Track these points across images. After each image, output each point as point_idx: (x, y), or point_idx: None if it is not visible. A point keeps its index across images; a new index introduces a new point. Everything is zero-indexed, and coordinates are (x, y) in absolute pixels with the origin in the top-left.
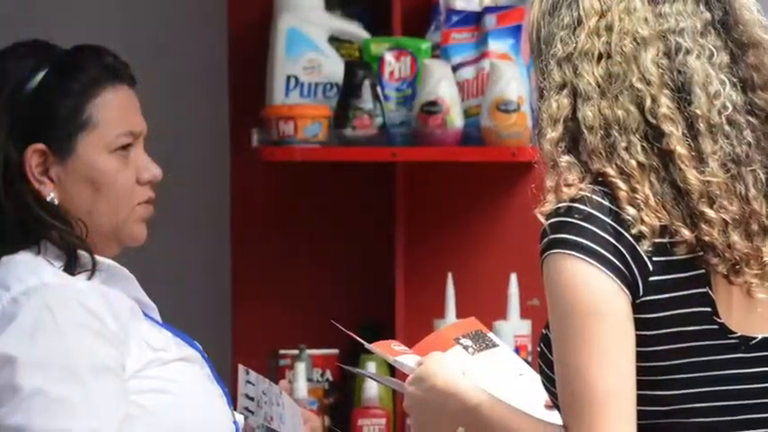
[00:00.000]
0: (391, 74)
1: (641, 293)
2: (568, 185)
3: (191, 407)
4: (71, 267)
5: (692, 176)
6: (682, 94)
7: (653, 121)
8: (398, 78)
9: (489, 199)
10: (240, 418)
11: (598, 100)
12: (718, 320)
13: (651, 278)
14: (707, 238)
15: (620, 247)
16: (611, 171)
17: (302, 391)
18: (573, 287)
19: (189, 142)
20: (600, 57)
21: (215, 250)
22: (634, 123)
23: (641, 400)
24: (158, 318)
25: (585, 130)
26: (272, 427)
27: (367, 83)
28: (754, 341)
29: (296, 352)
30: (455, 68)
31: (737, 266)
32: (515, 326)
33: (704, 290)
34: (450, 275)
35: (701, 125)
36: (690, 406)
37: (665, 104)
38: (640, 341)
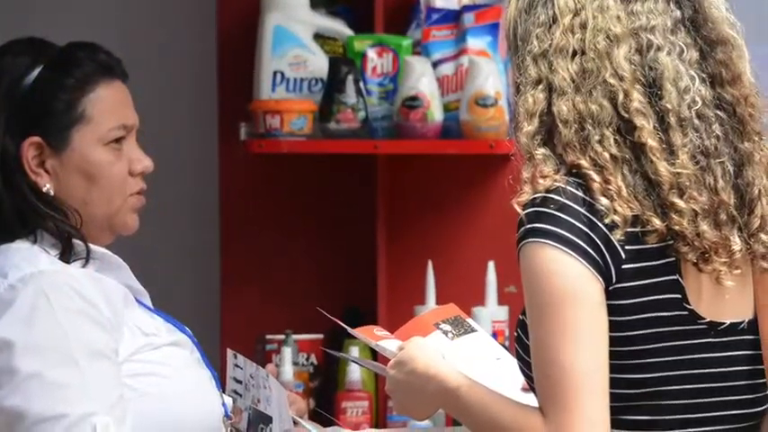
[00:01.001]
0: (374, 70)
1: (614, 280)
2: (544, 177)
3: (181, 389)
4: (66, 255)
5: (663, 168)
6: (653, 89)
7: (625, 115)
8: (381, 74)
9: (468, 190)
10: (228, 400)
11: (572, 95)
12: (688, 306)
13: (623, 266)
14: (677, 228)
15: (593, 236)
16: (584, 163)
17: (288, 375)
18: (548, 274)
19: (179, 135)
20: (574, 53)
21: (204, 239)
22: (607, 117)
23: (614, 382)
24: (150, 304)
25: (560, 124)
26: (260, 408)
27: (350, 78)
28: (722, 326)
29: (282, 337)
30: (435, 65)
31: (706, 255)
32: (493, 312)
33: (674, 277)
34: (430, 263)
35: (672, 119)
36: (660, 388)
37: (637, 99)
38: (613, 326)
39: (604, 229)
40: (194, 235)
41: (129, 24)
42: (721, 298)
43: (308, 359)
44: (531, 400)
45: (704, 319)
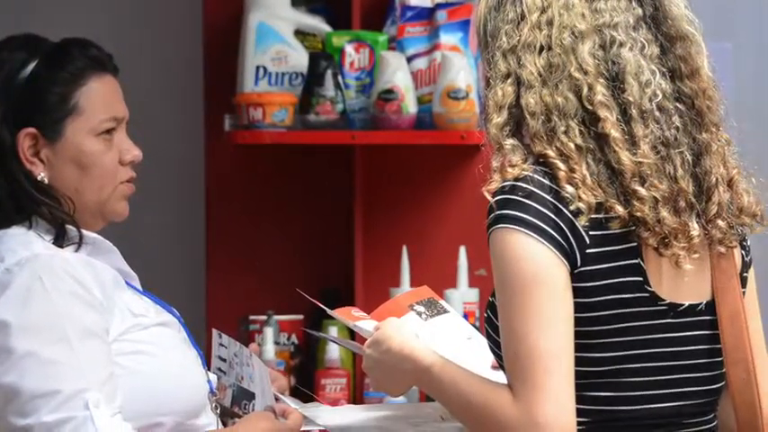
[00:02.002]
0: (351, 64)
1: (579, 264)
2: (512, 166)
3: (169, 367)
4: (60, 240)
5: (625, 158)
6: (616, 82)
7: (589, 107)
8: (358, 68)
9: (440, 178)
10: (213, 377)
11: (539, 88)
12: (649, 289)
13: (588, 250)
14: (639, 214)
15: (559, 222)
16: (551, 153)
17: (270, 354)
18: (516, 258)
19: (167, 126)
20: (541, 49)
21: (191, 225)
22: (572, 109)
23: (578, 361)
24: (139, 286)
25: (528, 116)
26: (243, 385)
27: (329, 72)
28: (681, 308)
29: (264, 317)
30: (409, 59)
31: (666, 240)
32: (464, 294)
33: (636, 261)
34: (404, 248)
35: (634, 111)
36: (623, 366)
37: (601, 92)
38: (578, 307)
39: (570, 215)
40: (181, 221)
41: (120, 22)
42: (680, 281)
43: (288, 339)
44: (500, 377)
45: (664, 300)
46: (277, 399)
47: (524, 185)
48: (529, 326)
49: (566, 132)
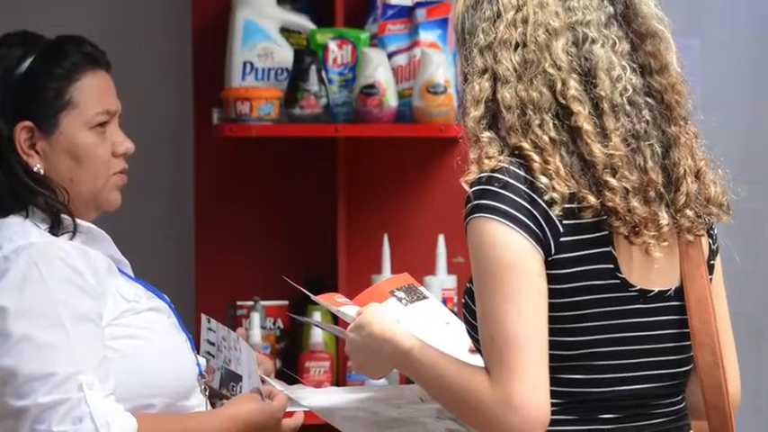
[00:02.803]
0: (334, 60)
1: (553, 252)
2: (489, 158)
3: (160, 350)
4: (55, 229)
5: (597, 150)
6: (588, 78)
7: (563, 101)
8: (341, 64)
9: (420, 169)
10: (202, 360)
11: (515, 83)
12: (620, 276)
13: (561, 239)
14: (610, 204)
15: (534, 211)
16: (526, 145)
17: (257, 338)
18: (493, 246)
19: (158, 120)
20: (517, 45)
21: (181, 214)
22: (546, 104)
23: (552, 345)
24: (131, 273)
25: (504, 110)
26: (231, 368)
27: (313, 68)
28: (651, 294)
29: (251, 303)
30: (390, 56)
31: (637, 229)
32: (443, 280)
33: (608, 249)
34: (385, 236)
35: (605, 105)
36: (594, 350)
37: (574, 87)
38: (552, 293)
39: (544, 205)
40: (172, 210)
41: (112, 19)
42: (650, 268)
43: (274, 323)
44: (477, 360)
45: (635, 286)
46: (263, 381)
47: (500, 176)
48: (504, 311)
49: (540, 125)
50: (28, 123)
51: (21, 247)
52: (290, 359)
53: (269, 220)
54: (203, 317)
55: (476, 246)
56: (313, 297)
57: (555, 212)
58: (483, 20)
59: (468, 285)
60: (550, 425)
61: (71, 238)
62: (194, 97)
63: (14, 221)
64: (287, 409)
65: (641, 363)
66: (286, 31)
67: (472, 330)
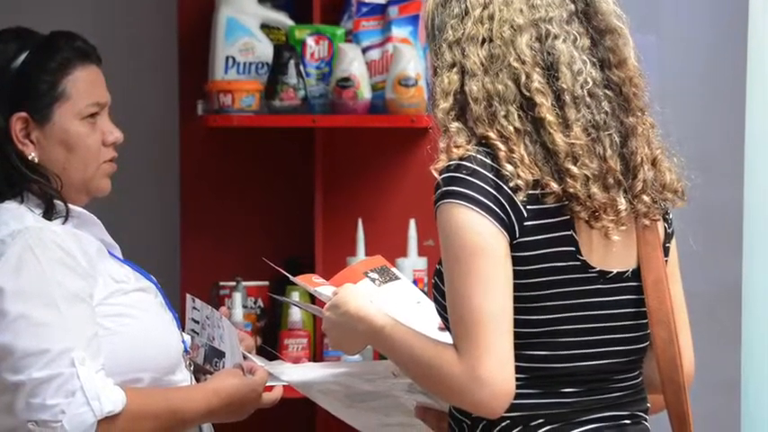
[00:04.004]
0: (312, 55)
1: (517, 235)
2: (457, 147)
3: (147, 328)
4: (49, 214)
5: (559, 139)
6: (551, 71)
7: (527, 93)
8: (318, 59)
9: (392, 158)
10: (187, 338)
11: (482, 76)
12: (581, 258)
13: (526, 223)
14: (571, 190)
15: (499, 197)
16: (492, 135)
17: (239, 316)
18: (461, 230)
19: (146, 111)
20: (483, 41)
21: (167, 200)
22: (511, 96)
23: (517, 323)
24: (120, 255)
25: (471, 101)
26: (214, 345)
27: (292, 62)
28: (610, 275)
29: (233, 284)
30: (364, 51)
31: (597, 213)
32: (414, 262)
33: (569, 233)
34: (360, 220)
35: (567, 97)
36: (557, 328)
37: (537, 80)
38: (517, 274)
39: (509, 191)
40: (158, 196)
41: (102, 16)
42: (609, 250)
43: (255, 303)
44: (446, 337)
45: (594, 268)
46: (245, 357)
47: (468, 164)
48: (472, 291)
49: (505, 116)
50: (23, 114)
51: (16, 231)
52: (269, 336)
53: (250, 205)
54: (188, 297)
55: (445, 230)
56: (292, 278)
57: (519, 198)
58: (451, 17)
59: (437, 267)
60: (515, 398)
61: (64, 223)
62: (180, 90)
63: (10, 206)
64: (267, 384)
65: (601, 340)
66: (266, 28)
67: (441, 309)
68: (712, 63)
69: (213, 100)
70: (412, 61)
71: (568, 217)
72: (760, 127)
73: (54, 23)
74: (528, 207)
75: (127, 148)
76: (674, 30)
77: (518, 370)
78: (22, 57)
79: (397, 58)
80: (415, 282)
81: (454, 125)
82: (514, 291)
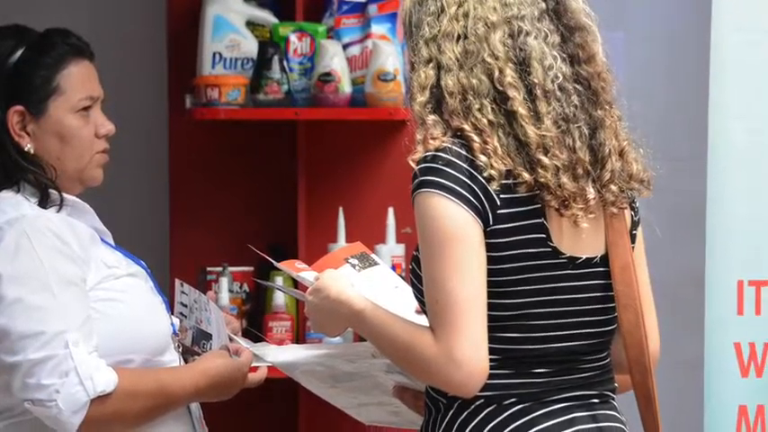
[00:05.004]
0: (295, 51)
1: (491, 223)
2: (434, 138)
3: (138, 311)
4: (44, 203)
5: (531, 131)
6: (523, 66)
7: (500, 87)
8: (300, 54)
9: (372, 149)
10: (176, 321)
11: (457, 71)
12: (551, 244)
13: (499, 211)
14: (542, 180)
15: (474, 186)
16: (467, 127)
17: (225, 300)
18: (437, 218)
19: (137, 104)
20: (458, 37)
21: (157, 189)
22: (485, 90)
23: (491, 306)
24: (112, 242)
25: (447, 95)
26: (201, 327)
27: (276, 58)
28: (579, 260)
29: (220, 269)
30: (345, 47)
31: (566, 202)
32: (392, 249)
33: (540, 220)
34: (341, 209)
35: (538, 91)
36: (529, 311)
37: (510, 75)
38: (491, 260)
39: (483, 181)
40: (149, 186)
41: (96, 14)
42: (578, 237)
43: (241, 287)
44: (423, 320)
45: (564, 254)
46: (231, 339)
47: (444, 155)
48: (448, 276)
49: (480, 109)
50: (19, 107)
51: (13, 219)
52: (254, 319)
53: (236, 194)
54: (177, 281)
55: (422, 218)
56: (276, 264)
57: (493, 187)
58: (428, 14)
59: (414, 253)
60: (489, 378)
61: (58, 211)
62: (169, 84)
63: (7, 195)
64: (252, 365)
65: (570, 323)
66: (251, 25)
67: (418, 294)
68: (676, 59)
69: (201, 94)
70: (390, 57)
71: (539, 205)
72: (721, 120)
73: (49, 21)
74: (501, 196)
75: (118, 140)
76: (639, 27)
77: (491, 351)
78: (19, 53)
79: (376, 54)
80: (394, 267)
81: (431, 118)
82: (488, 276)
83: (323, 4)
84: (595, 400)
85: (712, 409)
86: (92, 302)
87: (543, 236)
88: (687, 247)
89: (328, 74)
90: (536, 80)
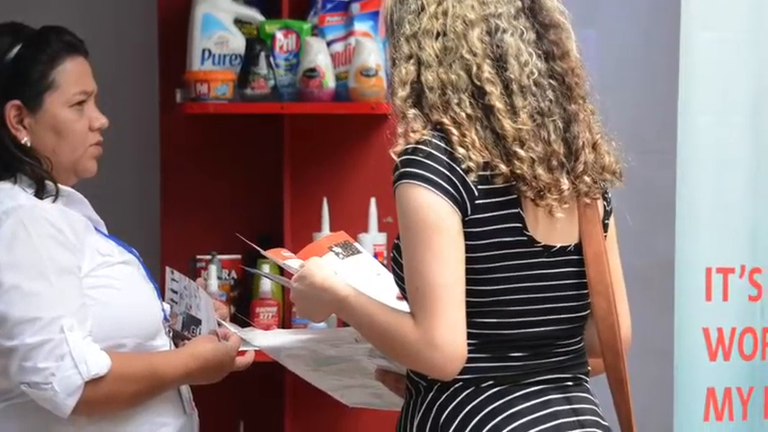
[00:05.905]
0: (281, 48)
1: (469, 213)
2: (414, 132)
3: (130, 298)
4: (40, 193)
5: (508, 125)
6: (500, 62)
7: (478, 83)
8: (286, 51)
9: (354, 142)
10: (167, 306)
11: (436, 67)
12: (527, 233)
13: (476, 201)
14: (519, 172)
15: (453, 178)
16: (446, 121)
17: (214, 287)
18: (417, 208)
19: (129, 99)
20: (438, 34)
21: (148, 180)
22: (464, 85)
23: (469, 293)
24: (105, 231)
25: (427, 90)
26: (191, 313)
27: (263, 54)
28: (554, 249)
29: (209, 257)
30: (329, 44)
31: (542, 193)
32: (374, 237)
33: (516, 210)
34: (325, 199)
35: (514, 86)
36: (506, 297)
37: (487, 71)
38: (469, 249)
39: (462, 172)
40: (141, 177)
41: (89, 12)
42: (553, 227)
43: (229, 274)
44: (404, 306)
45: (539, 243)
46: (220, 324)
47: (424, 148)
48: (427, 264)
49: (458, 104)
50: (16, 102)
51: (10, 209)
52: (242, 305)
53: (225, 185)
54: (167, 269)
55: (403, 208)
56: (263, 252)
57: (471, 179)
58: (409, 12)
59: (396, 242)
60: (467, 362)
61: (53, 201)
62: (160, 79)
63: (4, 186)
64: (240, 349)
65: (545, 308)
66: (239, 23)
67: (399, 281)
68: (647, 56)
69: (191, 89)
70: (372, 53)
71: (516, 196)
72: (691, 115)
73: (43, 19)
74: (479, 187)
75: (112, 133)
76: (612, 25)
77: (469, 336)
78: (16, 49)
79: (359, 51)
80: (376, 255)
81: (411, 112)
82: (466, 263)
83: (308, 2)
84: (569, 383)
85: (682, 391)
86: (86, 289)
87: (519, 225)
88: (657, 236)
89: (313, 69)
90: (512, 76)
